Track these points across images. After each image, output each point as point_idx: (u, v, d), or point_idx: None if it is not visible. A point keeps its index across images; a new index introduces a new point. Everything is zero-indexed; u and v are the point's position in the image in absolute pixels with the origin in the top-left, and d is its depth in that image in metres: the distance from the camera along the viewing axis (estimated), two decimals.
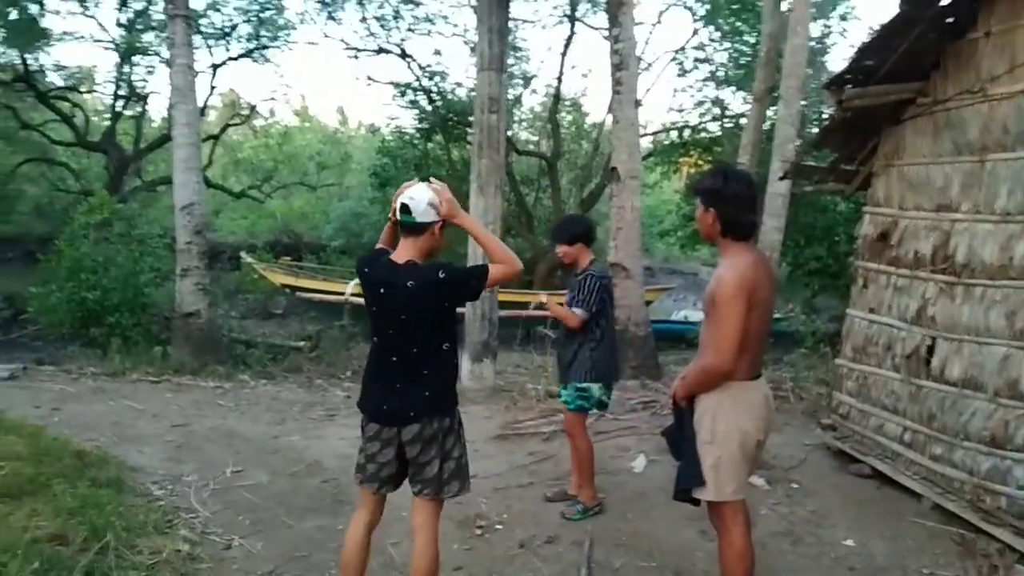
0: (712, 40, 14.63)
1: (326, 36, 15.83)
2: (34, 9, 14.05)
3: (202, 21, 16.04)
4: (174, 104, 7.73)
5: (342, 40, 16.06)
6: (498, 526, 4.01)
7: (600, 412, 4.06)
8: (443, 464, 2.71)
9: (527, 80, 17.39)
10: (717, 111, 15.17)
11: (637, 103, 7.28)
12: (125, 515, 3.78)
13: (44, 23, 14.93)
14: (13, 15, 14.44)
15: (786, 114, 7.99)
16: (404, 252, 2.69)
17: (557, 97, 16.67)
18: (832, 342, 7.35)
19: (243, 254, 14.17)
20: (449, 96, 15.63)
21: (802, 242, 9.79)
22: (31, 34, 14.54)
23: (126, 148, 18.52)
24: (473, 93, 13.37)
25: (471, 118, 12.55)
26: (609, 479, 4.63)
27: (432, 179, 2.73)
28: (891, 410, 4.67)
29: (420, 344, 2.68)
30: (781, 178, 7.09)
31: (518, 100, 17.80)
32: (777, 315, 13.14)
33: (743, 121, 14.84)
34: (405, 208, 2.64)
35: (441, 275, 2.59)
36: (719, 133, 15.28)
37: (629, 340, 7.61)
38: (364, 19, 15.48)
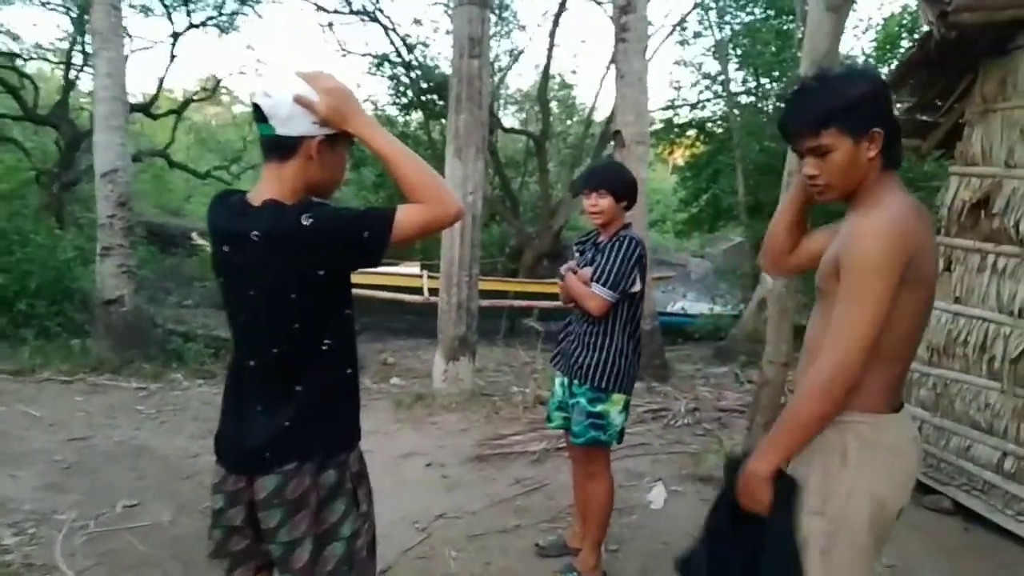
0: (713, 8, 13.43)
1: None
2: None
3: None
4: (95, 51, 6.50)
5: (315, 4, 14.61)
6: None
7: (617, 442, 2.90)
8: (322, 547, 1.63)
9: (515, 56, 16.25)
10: (719, 88, 14.02)
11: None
12: None
13: None
14: None
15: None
16: (264, 186, 1.60)
17: (546, 73, 15.50)
18: None
19: (195, 235, 12.84)
20: (430, 68, 14.43)
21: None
22: None
23: (80, 124, 17.10)
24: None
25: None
26: (620, 520, 3.52)
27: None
28: (985, 429, 3.61)
29: (282, 340, 1.61)
30: None
31: (503, 79, 16.67)
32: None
33: (743, 99, 13.81)
34: (259, 111, 1.55)
35: (306, 220, 1.50)
36: (721, 112, 14.18)
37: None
38: None
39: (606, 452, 2.88)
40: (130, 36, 17.52)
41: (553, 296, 10.06)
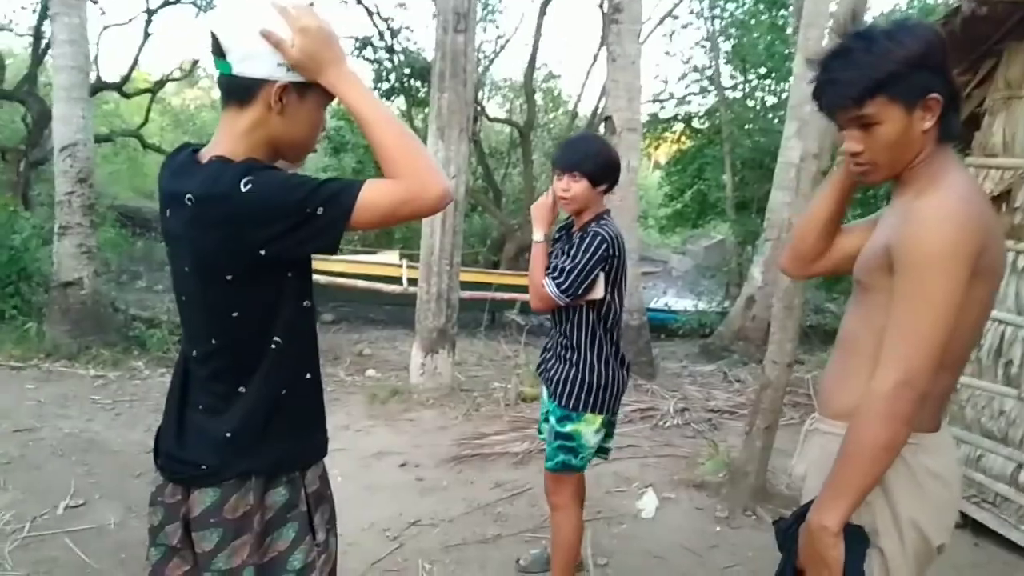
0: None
1: None
2: None
3: None
4: (53, 16, 6.08)
5: None
6: None
7: (601, 458, 2.63)
8: None
9: (502, 45, 15.92)
10: (706, 82, 13.78)
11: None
12: None
13: None
14: None
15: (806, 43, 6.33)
16: (217, 139, 1.31)
17: (532, 62, 15.19)
18: None
19: None
20: (414, 54, 14.05)
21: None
22: None
23: (50, 100, 16.50)
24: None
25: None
26: (610, 530, 3.26)
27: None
28: (998, 438, 3.39)
29: (220, 330, 1.32)
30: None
31: (489, 67, 16.35)
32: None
33: (730, 95, 13.57)
34: (216, 43, 1.25)
35: (245, 185, 1.20)
36: (707, 107, 13.95)
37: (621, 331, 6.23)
38: None
39: (575, 480, 2.49)
40: (102, 10, 16.98)
41: None
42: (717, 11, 13.32)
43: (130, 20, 15.77)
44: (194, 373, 1.40)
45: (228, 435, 1.33)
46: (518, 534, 3.21)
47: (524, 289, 9.67)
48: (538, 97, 16.74)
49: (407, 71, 13.95)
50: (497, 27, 15.18)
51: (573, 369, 2.36)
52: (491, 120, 15.72)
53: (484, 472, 3.92)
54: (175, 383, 1.44)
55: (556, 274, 2.26)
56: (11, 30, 15.41)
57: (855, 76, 1.31)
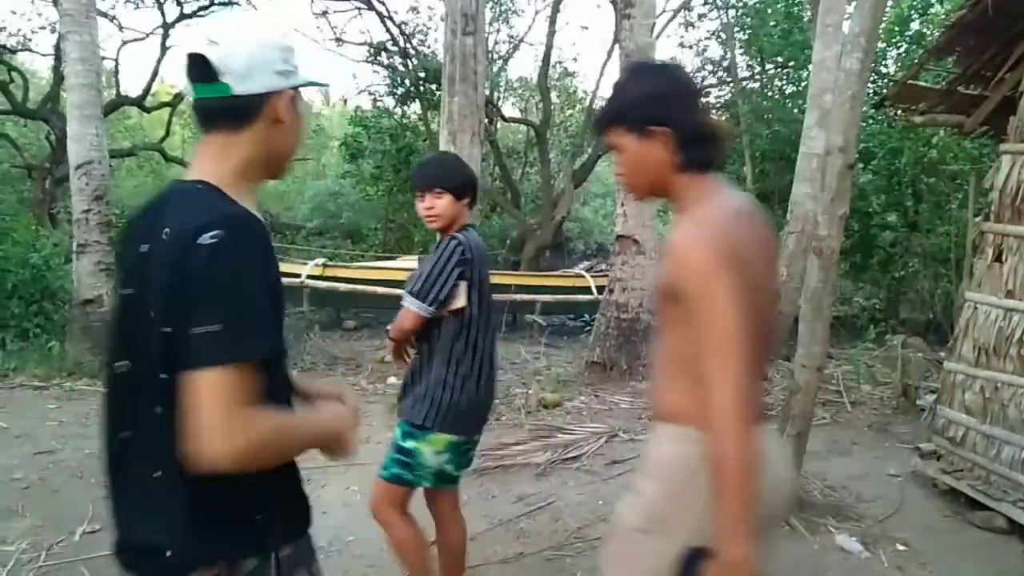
0: None
1: None
2: None
3: None
4: (64, 34, 6.12)
5: None
6: None
7: (444, 486, 2.41)
8: None
9: (515, 44, 15.84)
10: (723, 74, 13.56)
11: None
12: None
13: None
14: None
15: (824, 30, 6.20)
16: (201, 167, 1.19)
17: (547, 60, 15.08)
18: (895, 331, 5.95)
19: None
20: (428, 58, 14.01)
21: None
22: None
23: None
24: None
25: None
26: None
27: None
28: None
29: (159, 396, 1.11)
30: (877, 105, 5.42)
31: (504, 67, 16.28)
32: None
33: (746, 85, 13.30)
34: (199, 68, 1.16)
35: (210, 239, 1.04)
36: (724, 98, 13.72)
37: (641, 331, 6.11)
38: None
39: (401, 493, 2.34)
40: (120, 26, 17.16)
41: (556, 289, 9.71)
42: (732, 0, 13.10)
43: (147, 35, 15.71)
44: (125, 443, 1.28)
45: (191, 514, 1.15)
46: (540, 552, 3.11)
47: (544, 290, 9.58)
48: (553, 95, 16.66)
49: (421, 75, 13.91)
50: (511, 27, 15.01)
51: (423, 384, 2.25)
52: (507, 120, 15.64)
53: (506, 485, 3.82)
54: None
55: (412, 287, 2.21)
56: (30, 49, 15.59)
57: (604, 109, 1.54)
